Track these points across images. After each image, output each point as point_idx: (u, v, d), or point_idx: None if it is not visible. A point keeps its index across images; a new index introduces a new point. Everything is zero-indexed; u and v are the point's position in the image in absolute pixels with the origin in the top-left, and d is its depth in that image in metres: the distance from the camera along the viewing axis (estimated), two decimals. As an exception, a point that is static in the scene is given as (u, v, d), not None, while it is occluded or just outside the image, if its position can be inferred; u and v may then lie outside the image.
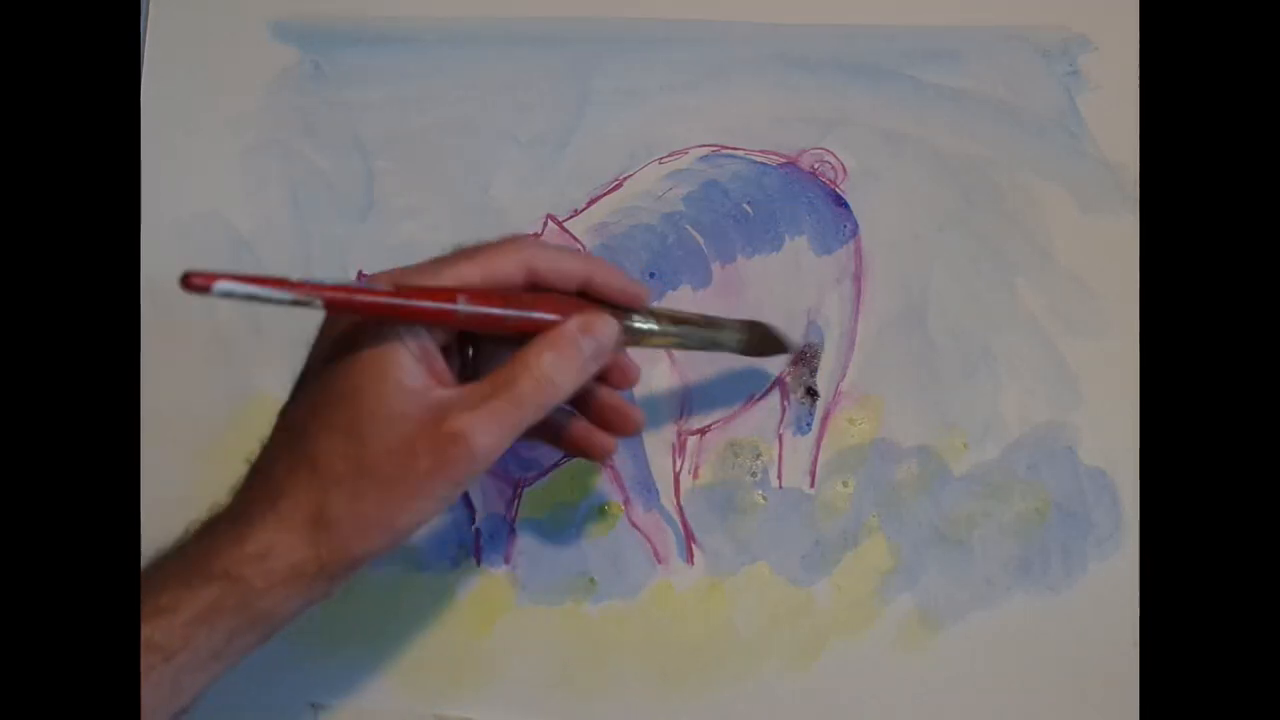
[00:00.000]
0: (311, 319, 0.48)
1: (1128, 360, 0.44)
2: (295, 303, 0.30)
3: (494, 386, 0.33)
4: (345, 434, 0.33)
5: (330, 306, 0.31)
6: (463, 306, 0.32)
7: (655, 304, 0.39)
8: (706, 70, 0.48)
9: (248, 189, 0.49)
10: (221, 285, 0.28)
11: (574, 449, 0.40)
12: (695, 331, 0.39)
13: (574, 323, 0.35)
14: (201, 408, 0.47)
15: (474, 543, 0.46)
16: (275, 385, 0.47)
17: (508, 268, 0.34)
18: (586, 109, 0.48)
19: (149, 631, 0.32)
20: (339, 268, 0.48)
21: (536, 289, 0.35)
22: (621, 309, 0.37)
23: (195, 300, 0.48)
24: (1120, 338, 0.45)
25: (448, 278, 0.34)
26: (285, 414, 0.35)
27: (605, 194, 0.48)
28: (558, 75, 0.49)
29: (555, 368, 0.34)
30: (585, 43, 0.49)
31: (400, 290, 0.31)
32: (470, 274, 0.34)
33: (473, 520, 0.46)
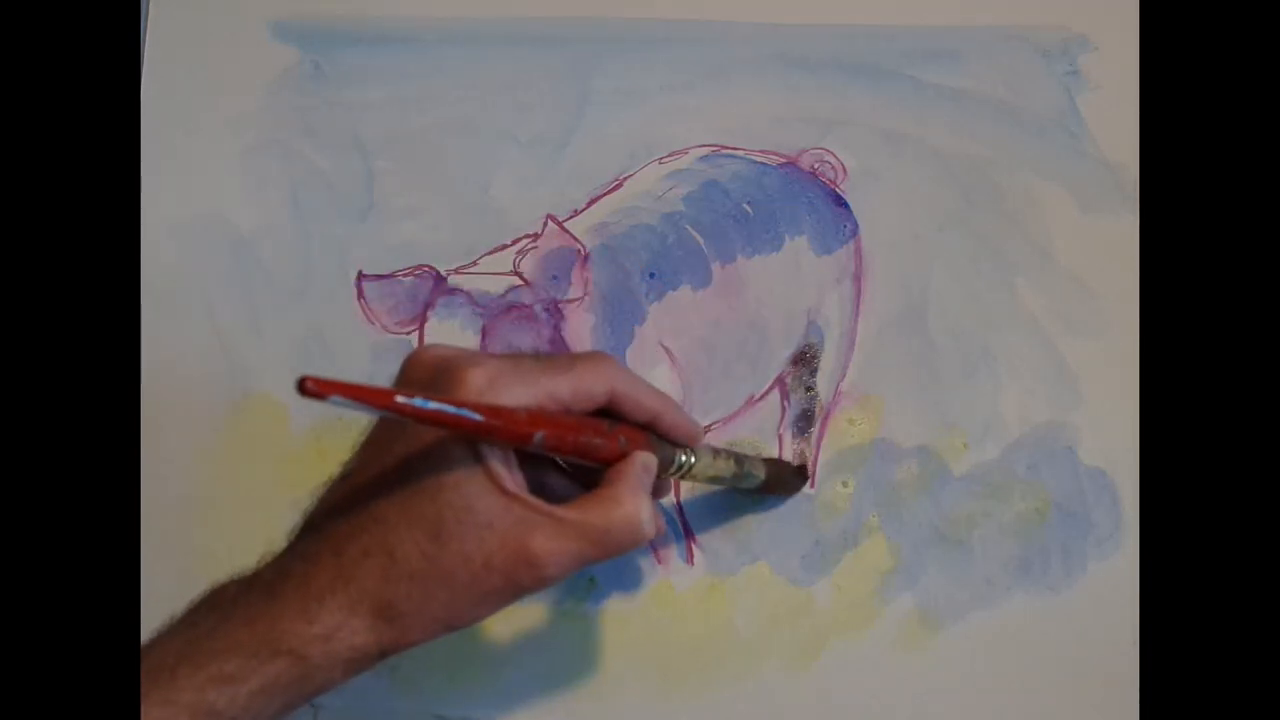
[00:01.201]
0: (311, 320, 0.48)
1: (1128, 360, 0.44)
2: (392, 413, 0.31)
3: (584, 524, 0.34)
4: (427, 532, 0.33)
5: (423, 422, 0.31)
6: (539, 438, 0.33)
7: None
8: (706, 70, 0.48)
9: (248, 189, 0.49)
10: (336, 397, 0.29)
11: None
12: (729, 467, 0.41)
13: (640, 465, 0.35)
14: (201, 408, 0.47)
15: (474, 543, 0.46)
16: (275, 385, 0.47)
17: (595, 389, 0.35)
18: (586, 109, 0.48)
19: (213, 698, 0.32)
20: (339, 268, 0.48)
21: (611, 410, 0.36)
22: (661, 443, 0.38)
23: (195, 300, 0.49)
24: (1120, 338, 0.45)
25: (541, 390, 0.34)
26: (358, 490, 0.34)
27: (605, 194, 0.48)
28: (558, 75, 0.49)
29: (648, 518, 0.35)
30: (585, 43, 0.49)
31: (487, 423, 0.32)
32: (561, 389, 0.34)
33: (473, 520, 0.46)
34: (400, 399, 0.30)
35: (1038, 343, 0.45)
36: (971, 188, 0.46)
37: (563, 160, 0.48)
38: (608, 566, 0.45)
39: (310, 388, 0.29)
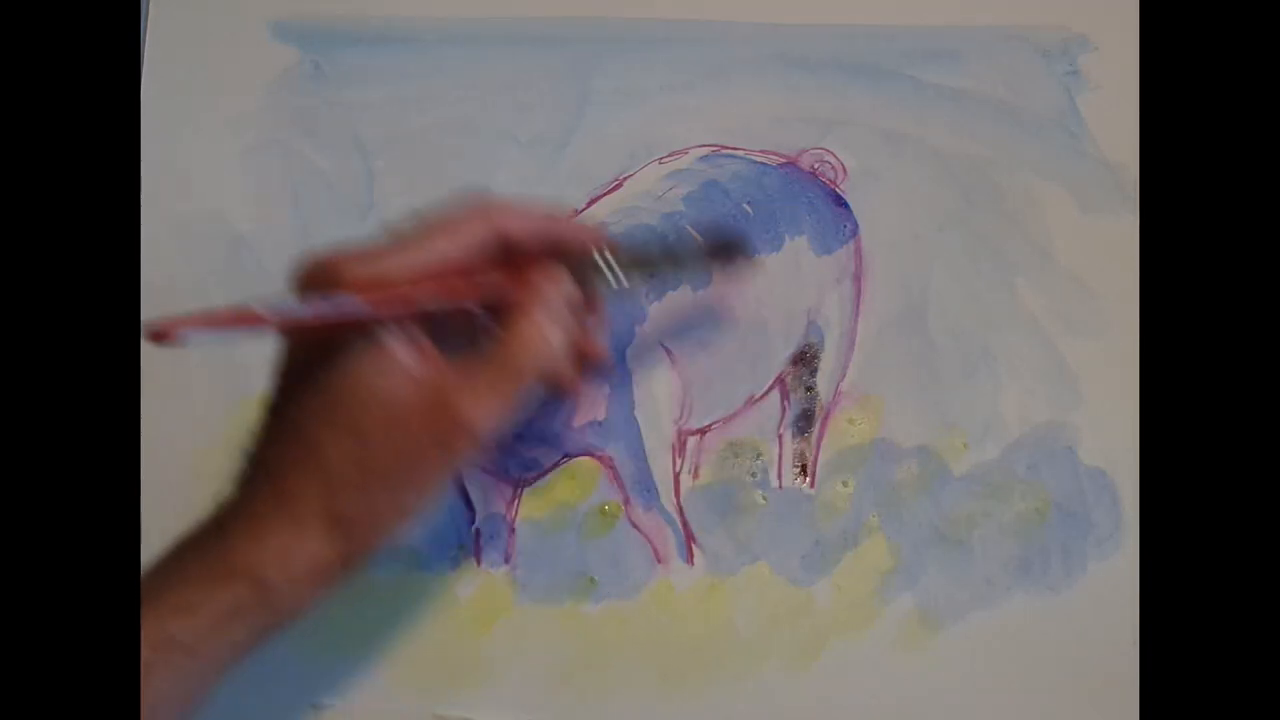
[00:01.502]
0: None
1: (1128, 360, 0.44)
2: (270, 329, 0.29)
3: (488, 362, 0.34)
4: (350, 434, 0.33)
5: (301, 325, 0.30)
6: (426, 300, 0.32)
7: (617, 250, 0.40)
8: (706, 70, 0.48)
9: (248, 189, 0.49)
10: (186, 330, 0.27)
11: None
12: (657, 261, 0.40)
13: (544, 284, 0.35)
14: (201, 408, 0.47)
15: (474, 543, 0.46)
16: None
17: (478, 231, 0.35)
18: (586, 109, 0.48)
19: (174, 629, 0.32)
20: (339, 268, 0.48)
21: (508, 248, 0.36)
22: (588, 259, 0.37)
23: (195, 300, 0.48)
24: (1120, 338, 0.45)
25: (424, 255, 0.34)
26: (280, 409, 0.35)
27: (605, 194, 0.48)
28: (558, 75, 0.49)
29: (547, 332, 0.35)
30: (585, 43, 0.49)
31: (366, 306, 0.30)
32: (444, 247, 0.34)
33: (473, 520, 0.46)
34: (262, 309, 0.28)
35: (1038, 343, 0.45)
36: (971, 188, 0.46)
37: (563, 160, 0.48)
38: (608, 566, 0.45)
39: (159, 330, 0.26)
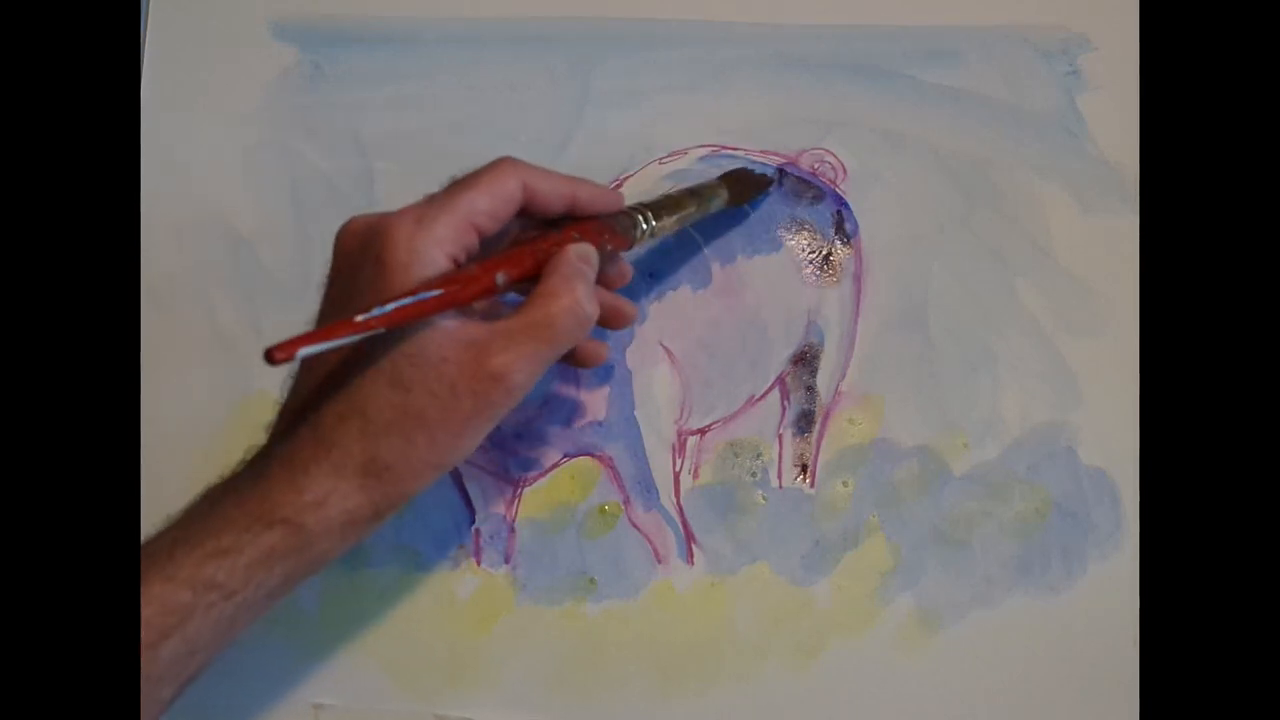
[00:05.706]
0: (311, 320, 0.48)
1: (1128, 360, 0.44)
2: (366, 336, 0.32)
3: (529, 325, 0.35)
4: (390, 383, 0.34)
5: (393, 325, 0.32)
6: (501, 280, 0.35)
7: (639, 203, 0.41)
8: (706, 70, 0.48)
9: (248, 189, 0.49)
10: (303, 350, 0.30)
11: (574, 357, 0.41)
12: (683, 211, 0.42)
13: (574, 254, 0.37)
14: (201, 408, 0.47)
15: (474, 543, 0.46)
16: (275, 385, 0.47)
17: (509, 188, 0.37)
18: (586, 109, 0.48)
19: (211, 571, 0.33)
20: (339, 268, 0.48)
21: (530, 208, 0.38)
22: (615, 216, 0.39)
23: (195, 300, 0.49)
24: (1120, 338, 0.45)
25: (462, 210, 0.35)
26: (318, 360, 0.36)
27: (605, 194, 0.48)
28: (558, 75, 0.49)
29: (586, 299, 0.36)
30: (585, 43, 0.49)
31: (449, 294, 0.33)
32: (479, 202, 0.36)
33: (473, 520, 0.46)
34: (361, 318, 0.31)
35: (1038, 343, 0.45)
36: (971, 188, 0.46)
37: (563, 160, 0.48)
38: (608, 566, 0.45)
39: (279, 356, 0.30)
